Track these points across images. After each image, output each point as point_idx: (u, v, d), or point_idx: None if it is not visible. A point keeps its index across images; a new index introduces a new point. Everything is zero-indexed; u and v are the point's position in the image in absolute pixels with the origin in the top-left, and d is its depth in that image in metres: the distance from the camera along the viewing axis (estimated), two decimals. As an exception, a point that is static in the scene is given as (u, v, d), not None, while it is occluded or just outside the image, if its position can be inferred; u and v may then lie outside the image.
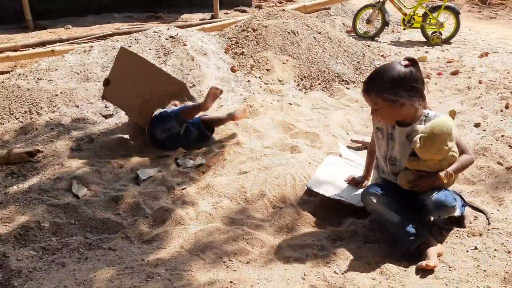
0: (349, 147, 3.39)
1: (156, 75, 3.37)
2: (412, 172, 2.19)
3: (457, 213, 2.20)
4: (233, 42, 5.38)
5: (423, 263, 2.06)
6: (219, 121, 3.50)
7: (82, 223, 2.51)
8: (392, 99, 2.11)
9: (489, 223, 2.34)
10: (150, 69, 3.39)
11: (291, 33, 5.33)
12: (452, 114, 2.13)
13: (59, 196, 2.72)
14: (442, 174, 2.13)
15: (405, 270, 2.10)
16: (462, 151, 2.20)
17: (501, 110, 3.88)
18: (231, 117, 3.45)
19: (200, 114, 3.46)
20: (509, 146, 3.20)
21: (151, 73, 3.35)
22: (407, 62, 2.14)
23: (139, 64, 3.34)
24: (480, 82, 4.65)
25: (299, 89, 4.74)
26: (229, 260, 2.20)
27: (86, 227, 2.50)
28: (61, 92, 3.99)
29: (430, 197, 2.12)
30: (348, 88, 4.78)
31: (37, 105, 3.86)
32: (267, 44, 5.18)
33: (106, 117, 3.86)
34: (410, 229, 2.17)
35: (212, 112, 3.97)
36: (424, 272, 2.06)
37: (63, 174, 2.93)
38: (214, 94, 3.31)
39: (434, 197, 2.11)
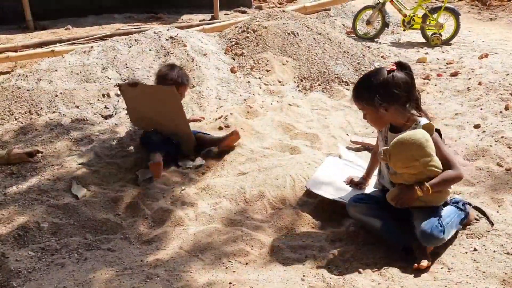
0: (348, 148, 3.39)
1: (154, 91, 3.33)
2: (396, 189, 2.16)
3: (447, 236, 2.14)
4: (233, 43, 5.38)
5: (416, 264, 2.08)
6: (211, 143, 3.29)
7: (82, 224, 2.51)
8: (373, 104, 2.14)
9: (492, 225, 2.34)
10: (148, 88, 3.39)
11: (291, 34, 5.33)
12: (429, 127, 2.09)
13: (58, 196, 2.73)
14: (417, 187, 2.07)
15: (404, 272, 2.10)
16: (448, 166, 2.11)
17: (501, 112, 3.88)
18: (223, 141, 3.24)
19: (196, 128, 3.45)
20: (509, 147, 3.20)
21: (152, 92, 3.33)
22: (391, 67, 2.15)
23: (139, 89, 3.27)
24: (479, 83, 4.65)
25: (299, 90, 4.74)
26: (228, 261, 2.20)
27: (86, 227, 2.50)
28: (61, 93, 3.99)
29: (419, 225, 2.09)
30: (348, 89, 4.78)
31: (37, 105, 3.87)
32: (267, 45, 5.18)
33: (105, 117, 3.86)
34: (394, 232, 2.23)
35: (211, 116, 3.97)
36: (422, 272, 2.06)
37: (63, 174, 2.93)
38: (233, 140, 3.22)
39: (421, 228, 2.08)
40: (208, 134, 3.41)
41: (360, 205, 2.36)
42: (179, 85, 3.30)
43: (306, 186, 2.69)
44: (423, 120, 2.18)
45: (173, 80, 3.30)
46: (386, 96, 2.12)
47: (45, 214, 2.52)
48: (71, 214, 2.56)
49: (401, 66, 2.16)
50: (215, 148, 3.25)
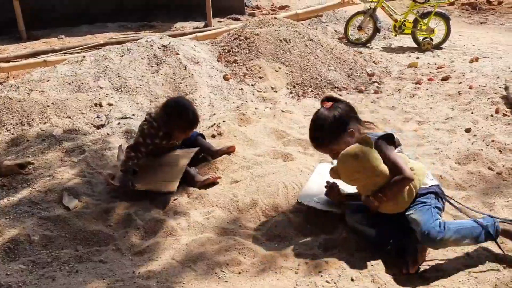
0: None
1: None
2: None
3: (448, 238, 2.07)
4: (226, 50, 5.40)
5: (404, 270, 2.11)
6: (208, 152, 3.25)
7: (73, 236, 2.49)
8: (336, 141, 2.31)
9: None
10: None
11: (283, 40, 5.36)
12: (363, 140, 2.16)
13: (49, 208, 2.71)
14: (371, 197, 2.20)
15: (397, 278, 2.09)
16: (396, 171, 2.17)
17: (492, 115, 3.91)
18: (219, 153, 3.21)
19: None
20: (500, 151, 3.22)
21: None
22: (329, 104, 2.35)
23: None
24: (470, 87, 4.68)
25: (291, 97, 4.76)
26: (221, 271, 2.19)
27: (77, 239, 2.48)
28: (52, 103, 3.98)
29: (418, 227, 2.10)
30: (340, 95, 4.80)
31: (28, 116, 3.85)
32: (259, 52, 5.21)
33: (98, 127, 3.85)
34: (388, 239, 2.26)
35: (204, 123, 3.98)
36: (413, 276, 2.08)
37: (54, 186, 2.91)
38: (226, 152, 3.19)
39: (420, 229, 2.08)
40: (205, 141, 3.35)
41: (355, 214, 2.41)
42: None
43: (297, 200, 2.68)
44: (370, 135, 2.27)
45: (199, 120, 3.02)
46: (342, 126, 2.31)
47: (36, 227, 2.50)
48: (62, 226, 2.55)
49: (332, 99, 2.40)
50: (210, 158, 3.24)
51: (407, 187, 2.17)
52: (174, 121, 2.92)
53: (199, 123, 3.12)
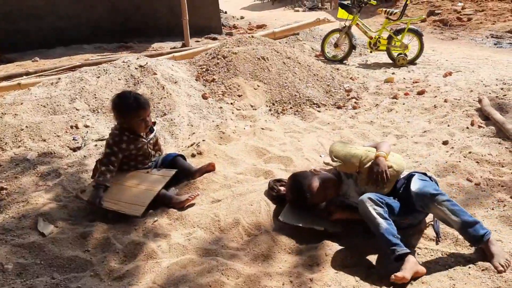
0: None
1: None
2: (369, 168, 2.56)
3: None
4: (204, 69, 5.40)
5: (393, 276, 2.08)
6: (187, 173, 3.18)
7: (49, 263, 2.39)
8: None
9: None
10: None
11: (261, 59, 5.39)
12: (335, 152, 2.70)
13: (24, 235, 2.60)
14: (379, 155, 2.52)
15: (382, 294, 2.07)
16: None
17: (467, 127, 3.99)
18: (198, 172, 3.16)
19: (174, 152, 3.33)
20: (477, 162, 3.27)
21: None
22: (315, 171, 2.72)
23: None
24: (445, 100, 4.78)
25: (271, 114, 4.76)
26: (204, 293, 2.12)
27: (53, 266, 2.38)
28: (26, 126, 3.88)
29: (412, 190, 2.34)
30: (319, 111, 4.84)
31: (1, 140, 3.74)
32: (237, 70, 5.22)
33: (74, 149, 3.75)
34: (392, 239, 2.21)
35: (183, 143, 3.93)
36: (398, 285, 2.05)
37: (28, 211, 2.80)
38: (206, 170, 3.16)
39: (413, 190, 2.33)
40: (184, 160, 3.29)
41: (377, 203, 2.34)
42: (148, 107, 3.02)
43: (279, 218, 2.66)
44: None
45: (146, 102, 3.01)
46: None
47: (10, 255, 2.39)
48: (38, 253, 2.44)
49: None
50: (190, 178, 3.18)
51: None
52: (121, 112, 2.94)
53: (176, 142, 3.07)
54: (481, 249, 2.25)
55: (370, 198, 2.33)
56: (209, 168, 3.20)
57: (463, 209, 2.27)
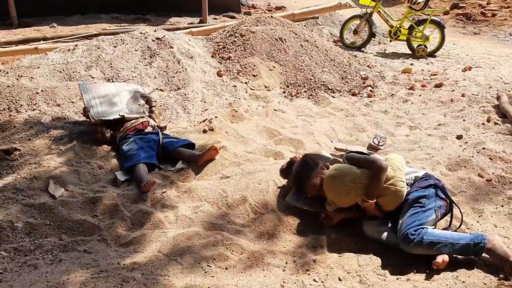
0: (333, 155, 3.38)
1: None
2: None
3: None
4: (220, 47, 5.36)
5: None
6: (190, 159, 3.13)
7: (58, 224, 2.44)
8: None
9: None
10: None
11: (278, 40, 5.33)
12: (332, 161, 2.65)
13: (34, 196, 2.64)
14: (363, 200, 2.36)
15: (384, 279, 2.09)
16: (369, 166, 2.39)
17: (483, 124, 3.93)
18: (201, 157, 3.07)
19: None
20: (490, 158, 3.23)
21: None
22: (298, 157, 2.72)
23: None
24: (463, 95, 4.71)
25: (284, 96, 4.74)
26: (208, 265, 2.15)
27: (62, 228, 2.42)
28: (42, 90, 3.91)
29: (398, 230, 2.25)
30: (333, 97, 4.80)
31: (16, 102, 3.77)
32: (254, 50, 5.18)
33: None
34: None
35: (196, 118, 3.93)
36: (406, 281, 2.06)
37: (40, 173, 2.84)
38: (212, 155, 3.08)
39: (400, 234, 2.22)
40: (188, 142, 3.29)
41: (371, 222, 2.43)
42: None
43: (286, 199, 2.66)
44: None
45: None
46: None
47: (20, 214, 2.44)
48: (47, 214, 2.49)
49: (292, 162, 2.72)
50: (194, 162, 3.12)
51: (386, 176, 2.33)
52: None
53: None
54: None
55: (365, 222, 2.41)
56: (213, 154, 3.09)
57: (442, 237, 2.16)
